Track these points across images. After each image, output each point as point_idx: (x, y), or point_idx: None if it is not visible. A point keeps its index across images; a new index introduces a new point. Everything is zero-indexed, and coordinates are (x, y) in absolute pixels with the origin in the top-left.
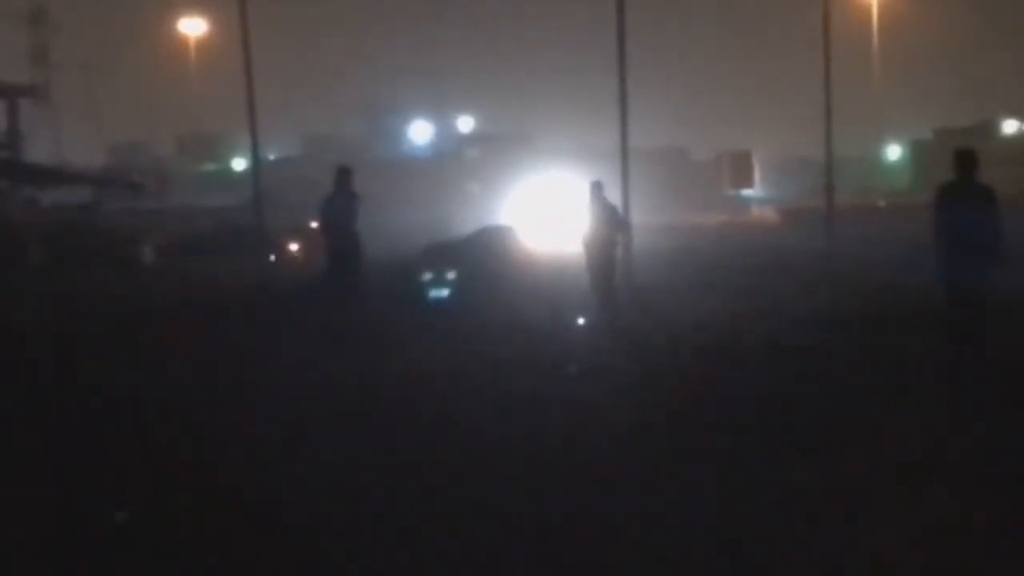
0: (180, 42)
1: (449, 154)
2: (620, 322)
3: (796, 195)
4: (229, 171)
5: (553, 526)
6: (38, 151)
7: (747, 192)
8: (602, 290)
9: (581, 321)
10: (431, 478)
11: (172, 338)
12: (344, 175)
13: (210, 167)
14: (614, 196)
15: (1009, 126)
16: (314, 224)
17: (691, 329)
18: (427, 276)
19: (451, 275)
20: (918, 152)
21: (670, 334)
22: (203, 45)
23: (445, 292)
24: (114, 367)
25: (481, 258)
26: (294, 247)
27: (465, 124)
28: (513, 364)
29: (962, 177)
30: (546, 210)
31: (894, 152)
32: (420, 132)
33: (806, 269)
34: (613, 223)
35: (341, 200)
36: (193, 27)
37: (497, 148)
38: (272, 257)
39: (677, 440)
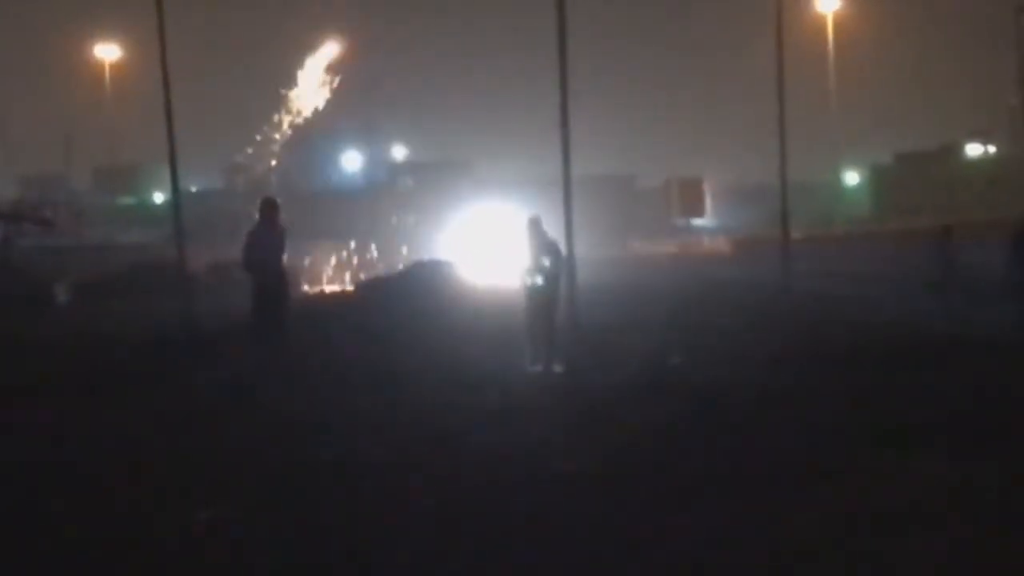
0: (95, 69)
1: (381, 184)
2: (562, 363)
3: (750, 224)
4: (149, 204)
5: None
6: None
7: (698, 221)
8: (542, 329)
9: (540, 368)
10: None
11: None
12: (269, 208)
13: (129, 201)
14: (557, 227)
15: (972, 149)
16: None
17: (635, 370)
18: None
19: (546, 262)
20: (878, 177)
21: (615, 376)
22: (120, 72)
23: (540, 279)
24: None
25: (416, 295)
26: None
27: (398, 152)
28: (448, 407)
29: None
30: (486, 243)
31: (853, 178)
32: (350, 161)
33: (759, 305)
34: (554, 259)
35: (267, 234)
36: (108, 53)
37: (433, 177)
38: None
39: (613, 487)
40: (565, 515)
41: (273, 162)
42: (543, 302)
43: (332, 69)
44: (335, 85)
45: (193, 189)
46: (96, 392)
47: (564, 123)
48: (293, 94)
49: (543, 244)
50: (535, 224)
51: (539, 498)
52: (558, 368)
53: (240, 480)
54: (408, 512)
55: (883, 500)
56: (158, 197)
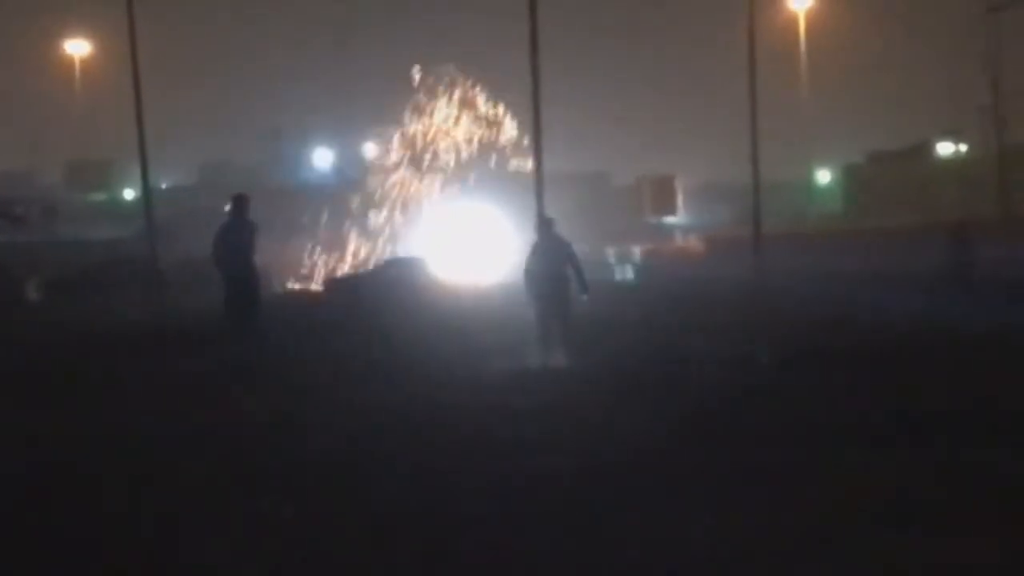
0: (66, 65)
1: (353, 181)
2: (568, 360)
3: (722, 222)
4: (120, 201)
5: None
6: None
7: (670, 219)
8: (555, 327)
9: (550, 364)
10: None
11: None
12: (240, 203)
13: (100, 197)
14: (528, 223)
15: (944, 148)
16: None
17: (613, 367)
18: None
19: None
20: (850, 176)
21: (591, 372)
22: (91, 69)
23: (630, 273)
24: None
25: (389, 292)
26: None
27: (370, 150)
28: (431, 404)
29: None
30: (459, 239)
31: (825, 176)
32: (322, 158)
33: (733, 303)
34: (565, 259)
35: (237, 229)
36: (79, 49)
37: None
38: None
39: (600, 484)
40: (552, 510)
41: None
42: (557, 301)
43: None
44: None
45: (164, 185)
46: (68, 390)
47: (537, 123)
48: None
49: (557, 245)
50: (548, 225)
51: (532, 492)
52: (563, 363)
53: (232, 481)
54: (402, 513)
55: (869, 497)
56: (129, 194)
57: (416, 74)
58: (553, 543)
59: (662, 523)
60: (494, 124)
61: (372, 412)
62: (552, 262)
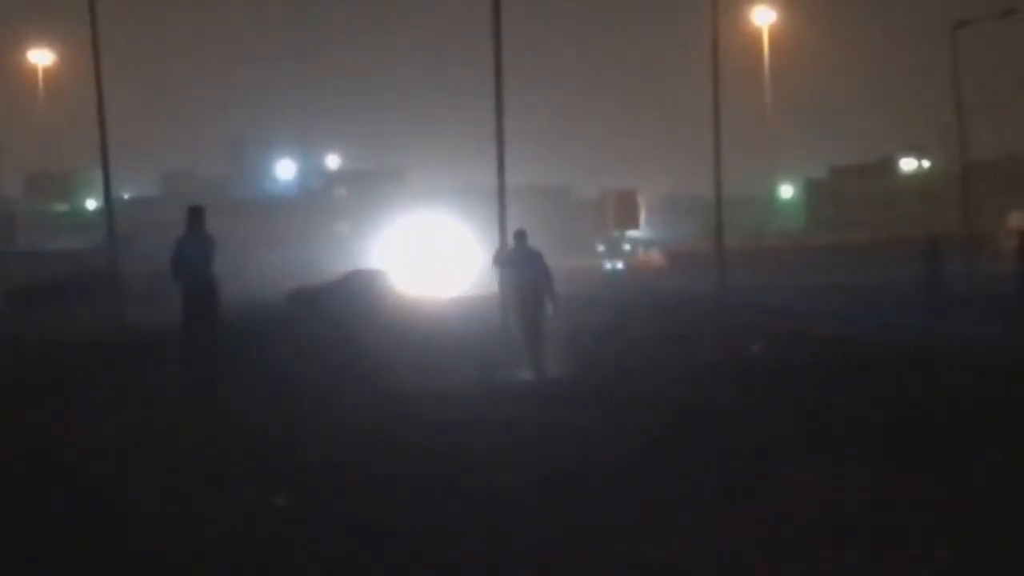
0: (28, 74)
1: (316, 193)
2: (549, 371)
3: (684, 236)
4: (82, 211)
5: None
6: None
7: (633, 233)
8: (532, 339)
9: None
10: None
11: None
12: (196, 215)
13: (61, 207)
14: (491, 237)
15: (907, 163)
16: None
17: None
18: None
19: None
20: (813, 191)
21: (573, 384)
22: (54, 78)
23: (620, 265)
24: None
25: (350, 304)
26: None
27: (333, 161)
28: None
29: None
30: (420, 252)
31: (788, 191)
32: (285, 169)
33: (695, 319)
34: (541, 270)
35: (194, 242)
36: (41, 58)
37: (367, 186)
38: None
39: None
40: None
41: None
42: (534, 311)
43: None
44: None
45: (127, 196)
46: (24, 402)
47: (499, 136)
48: None
49: (529, 256)
50: (521, 237)
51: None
52: (534, 375)
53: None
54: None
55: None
56: (91, 204)
57: None
58: (518, 555)
59: (630, 535)
60: None
61: (331, 423)
62: (526, 273)
